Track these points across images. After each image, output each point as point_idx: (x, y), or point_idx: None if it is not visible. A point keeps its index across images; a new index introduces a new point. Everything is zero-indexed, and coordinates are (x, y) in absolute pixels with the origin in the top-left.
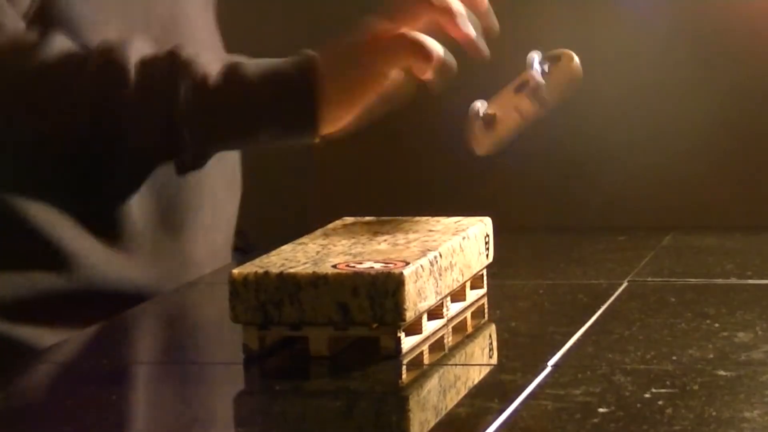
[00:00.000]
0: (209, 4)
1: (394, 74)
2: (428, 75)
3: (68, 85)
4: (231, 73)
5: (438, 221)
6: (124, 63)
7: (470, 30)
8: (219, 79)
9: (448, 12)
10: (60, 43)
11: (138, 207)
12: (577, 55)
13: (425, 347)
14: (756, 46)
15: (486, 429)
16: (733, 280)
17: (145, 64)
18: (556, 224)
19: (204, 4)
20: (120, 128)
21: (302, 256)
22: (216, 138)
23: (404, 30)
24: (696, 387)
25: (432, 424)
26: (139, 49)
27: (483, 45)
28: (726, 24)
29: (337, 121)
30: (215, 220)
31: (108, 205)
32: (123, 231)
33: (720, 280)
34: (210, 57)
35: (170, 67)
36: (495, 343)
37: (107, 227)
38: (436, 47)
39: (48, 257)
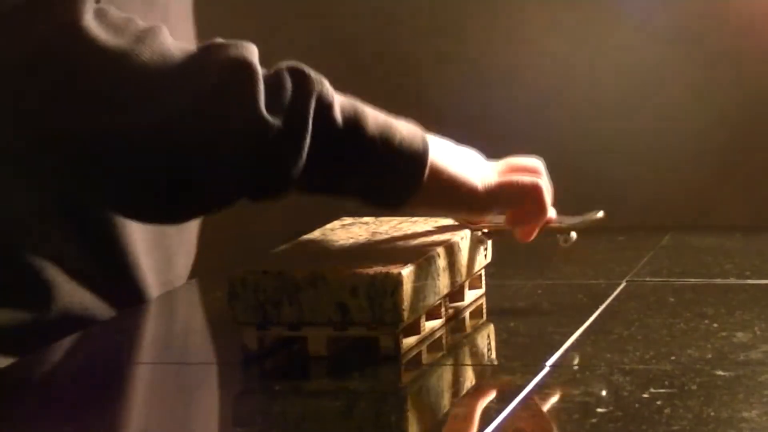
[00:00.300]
0: None
1: (497, 214)
2: (524, 237)
3: (186, 87)
4: (354, 116)
5: (436, 221)
6: (254, 74)
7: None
8: (340, 117)
9: (542, 220)
10: (169, 36)
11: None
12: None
13: (424, 347)
14: (756, 46)
15: (485, 429)
16: (732, 280)
17: (270, 79)
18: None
19: None
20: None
21: (301, 256)
22: (313, 177)
23: (541, 181)
24: (695, 387)
25: (431, 424)
26: (255, 54)
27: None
28: (726, 24)
29: (418, 211)
30: (186, 243)
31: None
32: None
33: (719, 280)
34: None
35: (296, 82)
36: (494, 343)
37: (95, 257)
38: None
39: (26, 287)
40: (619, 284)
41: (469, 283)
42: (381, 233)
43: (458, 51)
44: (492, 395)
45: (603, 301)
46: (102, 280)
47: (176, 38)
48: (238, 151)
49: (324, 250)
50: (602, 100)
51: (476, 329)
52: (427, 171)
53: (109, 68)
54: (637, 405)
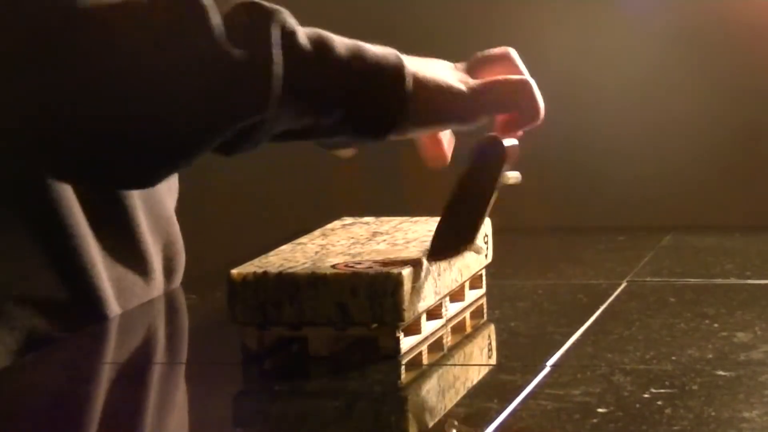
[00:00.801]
0: None
1: (491, 118)
2: (516, 133)
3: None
4: (320, 39)
5: (437, 221)
6: (202, 6)
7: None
8: (306, 42)
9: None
10: None
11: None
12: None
13: (424, 347)
14: (756, 46)
15: (485, 429)
16: (733, 280)
17: (225, 13)
18: (555, 224)
19: None
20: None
21: (301, 256)
22: (291, 111)
23: (528, 79)
24: (695, 387)
25: (431, 424)
26: None
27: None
28: (726, 25)
29: (407, 133)
30: (162, 242)
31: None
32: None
33: (719, 280)
34: None
35: (254, 14)
36: (494, 344)
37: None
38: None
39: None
40: (620, 284)
41: (470, 282)
42: (381, 233)
43: (458, 52)
44: (492, 395)
45: (603, 301)
46: (58, 295)
47: None
48: (203, 85)
49: (324, 250)
50: (603, 100)
51: (477, 329)
52: (408, 82)
53: (59, 18)
54: (637, 405)
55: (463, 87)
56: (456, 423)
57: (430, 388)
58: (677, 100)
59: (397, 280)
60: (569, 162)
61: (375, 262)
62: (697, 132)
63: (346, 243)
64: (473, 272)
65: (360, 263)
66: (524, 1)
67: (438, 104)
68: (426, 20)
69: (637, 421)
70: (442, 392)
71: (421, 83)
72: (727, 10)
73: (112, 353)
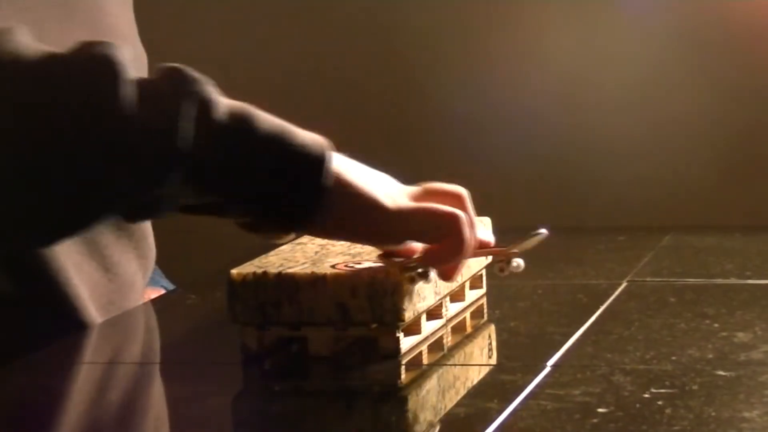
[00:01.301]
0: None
1: (409, 245)
2: (445, 277)
3: (52, 88)
4: (242, 115)
5: None
6: (116, 69)
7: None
8: (224, 116)
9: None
10: (28, 37)
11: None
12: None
13: (424, 347)
14: (756, 47)
15: (485, 429)
16: (733, 280)
17: (142, 78)
18: (555, 224)
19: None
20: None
21: (301, 256)
22: (198, 185)
23: (461, 212)
24: (695, 387)
25: (431, 423)
26: (127, 56)
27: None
28: (726, 24)
29: (323, 231)
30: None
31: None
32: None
33: (719, 280)
34: (132, 52)
35: (171, 81)
36: (494, 344)
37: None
38: (468, 252)
39: None
40: (620, 284)
41: (470, 282)
42: None
43: (458, 53)
44: (492, 395)
45: (604, 301)
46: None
47: (118, 22)
48: (100, 152)
49: (324, 250)
50: (603, 101)
51: (477, 329)
52: (326, 177)
53: None
54: (637, 405)
55: (388, 202)
56: None
57: (430, 388)
58: (677, 101)
59: (397, 281)
60: (569, 162)
61: (375, 262)
62: (697, 132)
63: (345, 243)
64: (473, 272)
65: (360, 263)
66: (524, 1)
67: (356, 211)
68: (426, 21)
69: (637, 421)
70: (442, 392)
71: (343, 183)
72: (727, 10)
73: (111, 353)
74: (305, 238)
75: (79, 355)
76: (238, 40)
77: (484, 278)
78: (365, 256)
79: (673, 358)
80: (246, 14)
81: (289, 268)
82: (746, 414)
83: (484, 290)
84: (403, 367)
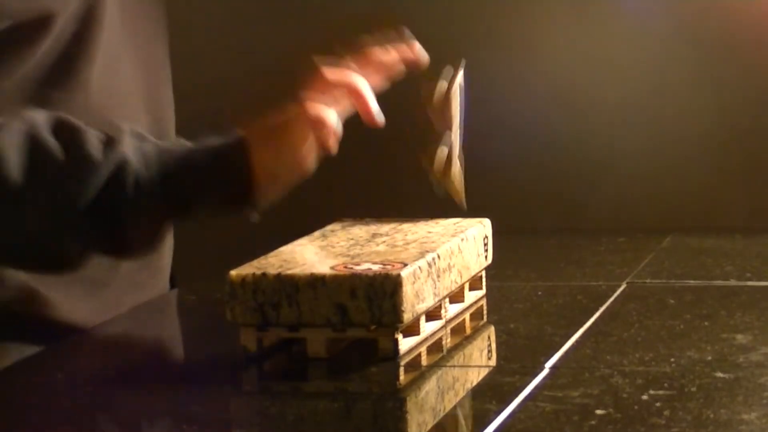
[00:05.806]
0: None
1: (310, 148)
2: (328, 144)
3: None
4: (163, 156)
5: (437, 223)
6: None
7: (371, 104)
8: (154, 165)
9: (349, 88)
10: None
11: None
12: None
13: (423, 348)
14: (757, 47)
15: (484, 430)
16: (732, 282)
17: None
18: (555, 226)
19: (143, 60)
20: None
21: (300, 257)
22: (157, 223)
23: (306, 106)
24: (694, 389)
25: (430, 425)
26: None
27: (380, 115)
28: (727, 26)
29: (270, 195)
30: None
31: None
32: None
33: (719, 282)
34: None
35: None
36: (493, 345)
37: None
38: (330, 117)
39: None
40: (620, 286)
41: (470, 284)
42: (380, 234)
43: (458, 53)
44: (491, 397)
45: (603, 303)
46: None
47: (129, 93)
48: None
49: (324, 251)
50: (602, 101)
51: (476, 331)
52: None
53: None
54: (636, 407)
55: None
56: None
57: (429, 390)
58: (677, 101)
59: (396, 282)
60: (569, 163)
61: (374, 263)
62: (697, 132)
63: (345, 244)
64: (473, 273)
65: (359, 264)
66: (524, 1)
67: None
68: (426, 21)
69: (636, 422)
70: (441, 393)
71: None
72: (728, 10)
73: (111, 354)
74: (304, 240)
75: (76, 355)
76: (238, 40)
77: (484, 279)
78: (364, 258)
79: (672, 359)
80: (246, 14)
81: (289, 269)
82: (745, 416)
83: (483, 291)
84: (402, 369)
